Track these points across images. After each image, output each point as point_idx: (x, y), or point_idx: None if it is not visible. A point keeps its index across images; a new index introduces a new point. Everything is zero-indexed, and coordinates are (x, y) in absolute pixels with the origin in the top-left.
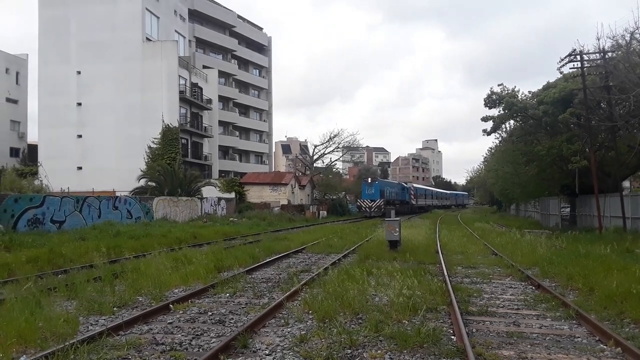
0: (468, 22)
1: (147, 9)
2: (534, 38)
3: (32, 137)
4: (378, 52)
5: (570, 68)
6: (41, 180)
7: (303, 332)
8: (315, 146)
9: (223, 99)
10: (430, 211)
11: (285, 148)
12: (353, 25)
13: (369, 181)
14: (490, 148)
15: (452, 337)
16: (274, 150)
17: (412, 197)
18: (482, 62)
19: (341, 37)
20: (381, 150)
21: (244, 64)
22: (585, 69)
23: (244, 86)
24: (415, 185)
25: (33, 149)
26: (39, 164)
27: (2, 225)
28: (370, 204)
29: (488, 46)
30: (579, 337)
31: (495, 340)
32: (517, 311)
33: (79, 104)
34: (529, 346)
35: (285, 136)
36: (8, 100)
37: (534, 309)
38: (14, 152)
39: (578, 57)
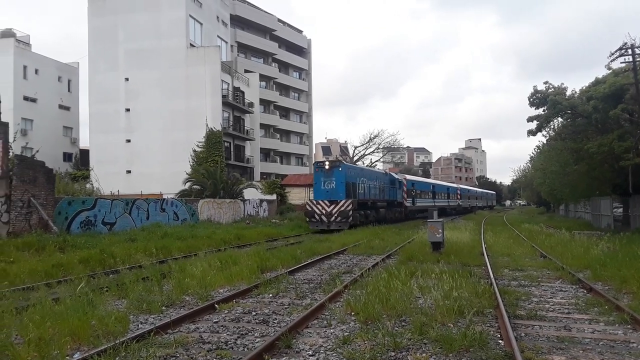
0: (523, 5)
1: (190, 15)
2: (599, 23)
3: (83, 142)
4: (422, 45)
5: (620, 62)
6: (92, 184)
7: (346, 334)
8: (355, 147)
9: (264, 102)
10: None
11: (326, 149)
12: (397, 15)
13: (326, 167)
14: (537, 147)
15: (500, 341)
16: (314, 152)
17: (405, 197)
18: (536, 52)
19: (384, 31)
20: (422, 150)
21: (284, 67)
22: (637, 62)
23: (284, 89)
24: (409, 177)
25: (85, 154)
26: (90, 168)
27: (57, 227)
28: (328, 208)
29: (544, 33)
30: (634, 343)
31: (545, 344)
32: (567, 315)
33: (127, 110)
34: (580, 351)
35: (325, 137)
36: (61, 107)
37: (586, 313)
38: (67, 157)
39: (629, 51)
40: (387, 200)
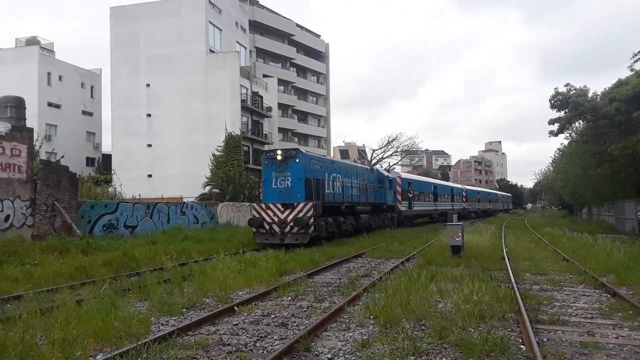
0: (549, 1)
1: (210, 22)
2: (628, 21)
3: (106, 147)
4: (443, 45)
5: None
6: (115, 188)
7: (365, 337)
8: (374, 150)
9: (282, 107)
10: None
11: (344, 153)
12: (417, 14)
13: (278, 158)
14: (559, 149)
15: (522, 346)
16: (332, 155)
17: (400, 199)
18: (560, 51)
19: (404, 31)
20: (441, 153)
21: (302, 71)
22: None
23: (302, 93)
24: (405, 175)
25: (107, 158)
26: (112, 173)
27: (80, 230)
28: (281, 215)
29: (569, 31)
30: None
31: (568, 350)
32: (591, 320)
33: (149, 115)
34: (604, 357)
35: (344, 141)
36: (84, 112)
37: (610, 318)
38: (89, 161)
39: None
40: (372, 204)
